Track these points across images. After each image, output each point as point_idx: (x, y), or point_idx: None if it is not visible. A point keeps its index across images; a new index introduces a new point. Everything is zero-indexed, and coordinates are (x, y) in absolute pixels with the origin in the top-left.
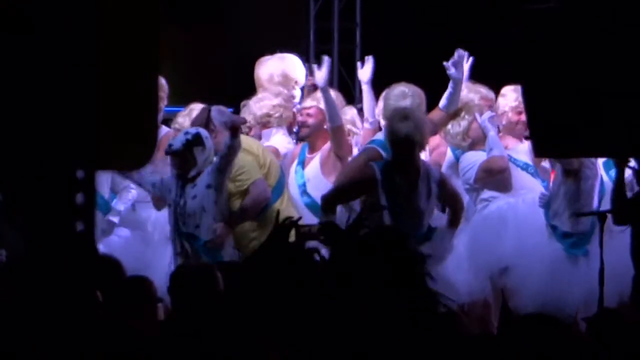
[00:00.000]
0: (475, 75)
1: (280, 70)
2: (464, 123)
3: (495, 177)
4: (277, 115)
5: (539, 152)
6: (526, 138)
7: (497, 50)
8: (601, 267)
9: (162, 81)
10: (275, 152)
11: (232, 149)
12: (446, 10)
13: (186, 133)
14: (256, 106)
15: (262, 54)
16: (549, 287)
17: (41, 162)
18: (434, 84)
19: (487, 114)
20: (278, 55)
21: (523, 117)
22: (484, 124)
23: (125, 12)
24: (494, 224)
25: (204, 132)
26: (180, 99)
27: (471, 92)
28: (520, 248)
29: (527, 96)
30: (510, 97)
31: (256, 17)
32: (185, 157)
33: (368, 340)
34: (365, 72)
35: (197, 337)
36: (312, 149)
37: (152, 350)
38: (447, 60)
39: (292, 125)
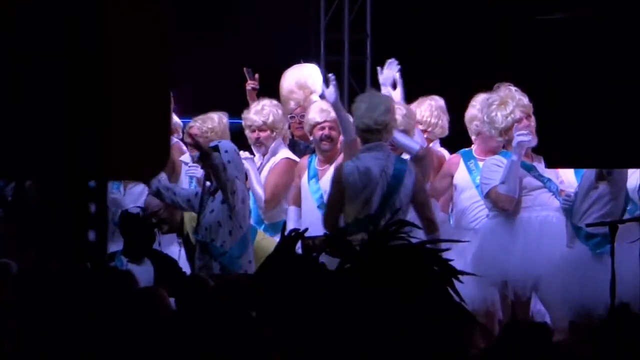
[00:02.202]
0: (485, 88)
1: (294, 81)
2: (508, 121)
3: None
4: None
5: (550, 163)
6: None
7: (509, 63)
8: (612, 277)
9: None
10: (294, 162)
11: (211, 167)
12: (457, 22)
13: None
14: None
15: (273, 66)
16: (578, 288)
17: (53, 171)
18: (445, 94)
19: (522, 135)
20: (296, 66)
21: None
22: (515, 143)
23: (135, 23)
24: (503, 236)
25: (223, 146)
26: (193, 111)
27: (521, 95)
28: (527, 264)
29: (536, 107)
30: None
31: (267, 29)
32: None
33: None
34: (329, 92)
35: (203, 342)
36: (326, 161)
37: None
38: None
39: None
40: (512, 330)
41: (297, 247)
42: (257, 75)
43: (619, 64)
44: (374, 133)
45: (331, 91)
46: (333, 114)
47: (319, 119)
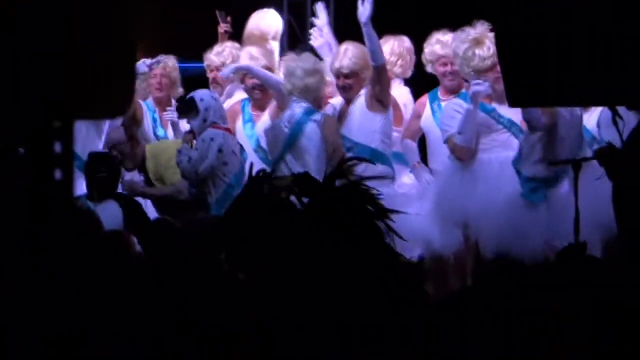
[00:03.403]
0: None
1: (255, 26)
2: (486, 64)
3: None
4: None
5: (513, 102)
6: None
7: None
8: (576, 215)
9: None
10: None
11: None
12: None
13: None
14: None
15: (231, 9)
16: (508, 233)
17: (16, 112)
18: (410, 34)
19: (478, 84)
20: (256, 12)
21: (449, 68)
22: (470, 92)
23: None
24: (464, 178)
25: (198, 95)
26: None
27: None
28: (486, 205)
29: (500, 45)
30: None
31: None
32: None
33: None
34: (364, 11)
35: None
36: (259, 108)
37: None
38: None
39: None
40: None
41: (264, 187)
42: (229, 18)
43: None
44: (297, 94)
45: (366, 10)
46: (264, 62)
47: None
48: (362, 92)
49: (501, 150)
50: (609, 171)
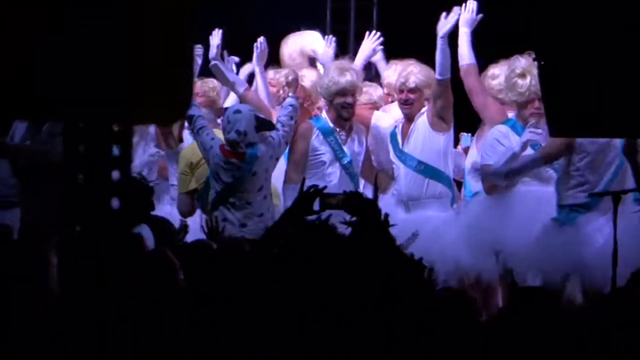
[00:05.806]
0: (491, 56)
1: (298, 48)
2: (523, 96)
3: None
4: None
5: (554, 132)
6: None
7: (518, 30)
8: (615, 247)
9: None
10: None
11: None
12: None
13: None
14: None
15: (277, 33)
16: (538, 255)
17: (78, 115)
18: (452, 62)
19: (534, 133)
20: (297, 33)
21: None
22: (523, 138)
23: None
24: (500, 206)
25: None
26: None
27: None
28: (521, 234)
29: (543, 75)
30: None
31: None
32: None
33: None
34: (444, 24)
35: (212, 309)
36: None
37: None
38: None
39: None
40: (519, 297)
41: (314, 204)
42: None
43: (629, 29)
44: None
45: (447, 22)
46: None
47: None
48: (425, 109)
49: (539, 185)
50: None
